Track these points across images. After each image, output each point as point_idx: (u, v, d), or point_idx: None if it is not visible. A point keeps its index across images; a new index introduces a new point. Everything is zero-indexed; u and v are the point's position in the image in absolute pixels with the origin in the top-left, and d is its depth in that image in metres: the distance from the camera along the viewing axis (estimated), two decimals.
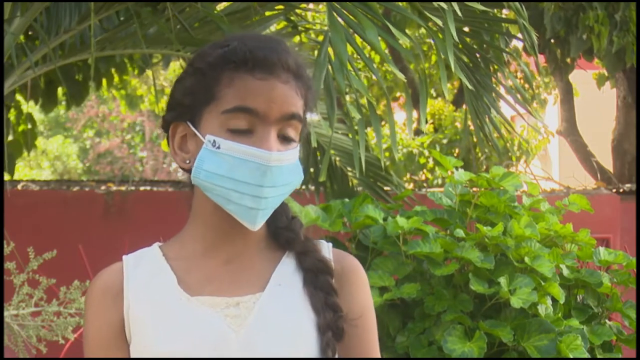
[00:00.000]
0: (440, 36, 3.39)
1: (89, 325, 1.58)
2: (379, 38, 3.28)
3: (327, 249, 1.63)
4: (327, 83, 3.27)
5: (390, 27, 3.27)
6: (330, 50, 3.27)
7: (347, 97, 3.33)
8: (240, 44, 1.54)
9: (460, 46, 3.87)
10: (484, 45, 4.28)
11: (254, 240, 1.59)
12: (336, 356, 1.56)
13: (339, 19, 3.32)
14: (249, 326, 1.53)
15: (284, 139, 1.54)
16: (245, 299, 1.55)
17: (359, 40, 3.63)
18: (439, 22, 3.32)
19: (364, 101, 3.73)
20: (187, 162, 1.56)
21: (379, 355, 1.63)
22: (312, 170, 5.03)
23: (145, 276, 1.58)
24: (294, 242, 1.61)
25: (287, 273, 1.59)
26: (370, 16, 3.31)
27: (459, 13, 3.30)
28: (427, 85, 3.68)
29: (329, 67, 3.23)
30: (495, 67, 4.19)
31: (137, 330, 1.55)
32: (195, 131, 1.55)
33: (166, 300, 1.55)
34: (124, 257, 1.61)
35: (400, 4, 3.91)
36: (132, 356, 1.55)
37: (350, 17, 3.34)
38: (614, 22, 6.65)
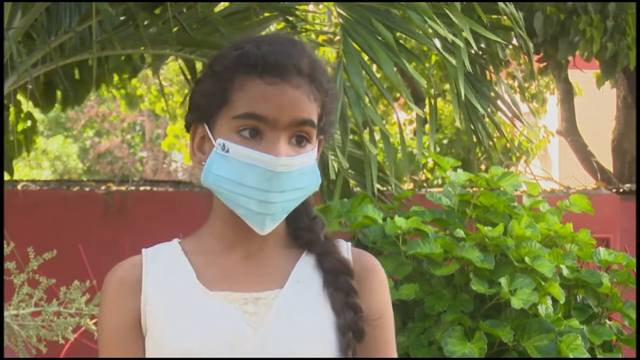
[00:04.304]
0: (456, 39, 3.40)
1: (104, 317, 1.58)
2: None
3: (346, 249, 1.63)
4: (342, 111, 3.29)
5: (405, 63, 3.29)
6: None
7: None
8: (253, 47, 1.53)
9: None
10: (480, 52, 4.30)
11: (273, 238, 1.59)
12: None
13: (354, 45, 3.33)
14: (267, 323, 1.53)
15: (297, 143, 1.53)
16: (265, 295, 1.55)
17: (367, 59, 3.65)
18: (449, 58, 3.35)
19: (366, 100, 3.74)
20: (203, 163, 1.56)
21: (396, 355, 1.63)
22: None
23: (164, 270, 1.58)
24: (314, 244, 1.61)
25: (306, 271, 1.59)
26: (381, 40, 3.32)
27: (473, 43, 3.33)
28: (431, 89, 3.72)
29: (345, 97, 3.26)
30: (491, 73, 4.21)
31: (154, 323, 1.54)
32: (209, 134, 1.55)
33: (184, 294, 1.55)
34: (143, 250, 1.61)
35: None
36: (147, 349, 1.55)
37: (358, 36, 3.35)
38: (605, 29, 6.64)
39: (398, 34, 3.54)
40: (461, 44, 3.28)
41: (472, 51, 3.47)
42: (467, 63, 3.30)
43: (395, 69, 3.38)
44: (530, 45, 3.95)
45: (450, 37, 3.24)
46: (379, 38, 3.33)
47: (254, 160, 1.51)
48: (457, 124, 3.51)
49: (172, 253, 1.60)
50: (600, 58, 6.85)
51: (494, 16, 3.97)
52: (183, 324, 1.53)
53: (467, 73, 3.86)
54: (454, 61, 3.30)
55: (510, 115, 4.27)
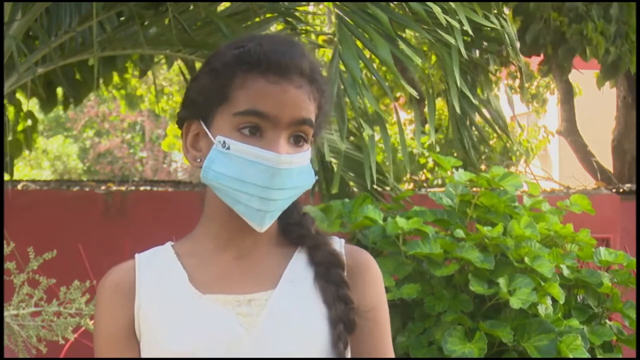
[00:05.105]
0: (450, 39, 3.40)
1: (99, 323, 1.58)
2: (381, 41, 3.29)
3: (338, 244, 1.63)
4: (338, 97, 3.28)
5: (403, 46, 3.28)
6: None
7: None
8: (255, 46, 1.53)
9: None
10: (472, 61, 4.31)
11: (266, 237, 1.59)
12: (348, 349, 1.55)
13: (349, 32, 3.33)
14: (261, 324, 1.52)
15: (295, 143, 1.54)
16: (257, 296, 1.54)
17: (360, 44, 3.65)
18: (448, 38, 3.34)
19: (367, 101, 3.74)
20: (198, 160, 1.56)
21: (392, 352, 1.62)
22: None
23: (157, 274, 1.58)
24: (305, 237, 1.61)
25: (299, 269, 1.59)
26: (377, 27, 3.31)
27: (470, 32, 3.33)
28: (433, 95, 3.73)
29: (340, 83, 3.25)
30: (482, 83, 4.24)
31: (148, 328, 1.55)
32: (207, 131, 1.55)
33: (177, 298, 1.55)
34: (136, 255, 1.61)
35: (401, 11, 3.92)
36: (142, 354, 1.55)
37: (359, 29, 3.34)
38: (609, 34, 6.64)
39: (398, 32, 3.54)
40: (457, 25, 3.27)
41: (466, 57, 3.46)
42: (461, 47, 3.28)
43: (395, 69, 3.38)
44: (522, 58, 3.97)
45: (443, 18, 3.23)
46: (379, 28, 3.32)
47: (255, 157, 1.50)
48: (458, 109, 3.49)
49: (164, 257, 1.60)
50: (602, 62, 6.84)
51: (487, 28, 3.98)
52: (176, 328, 1.53)
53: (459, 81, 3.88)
54: (453, 40, 3.29)
55: (497, 126, 4.32)
